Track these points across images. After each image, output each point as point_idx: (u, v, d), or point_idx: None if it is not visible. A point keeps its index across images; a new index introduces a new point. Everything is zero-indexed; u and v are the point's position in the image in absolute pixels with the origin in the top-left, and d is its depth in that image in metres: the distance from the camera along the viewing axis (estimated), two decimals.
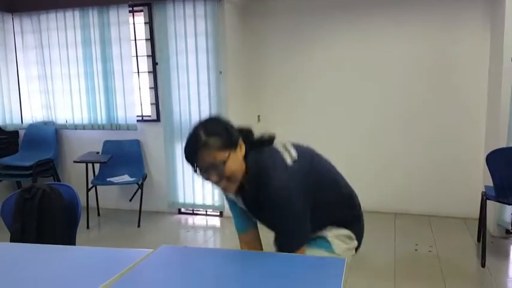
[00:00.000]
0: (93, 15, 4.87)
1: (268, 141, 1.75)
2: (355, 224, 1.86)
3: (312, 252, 1.72)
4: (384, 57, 4.63)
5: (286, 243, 1.67)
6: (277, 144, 1.76)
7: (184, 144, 1.66)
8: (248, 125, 1.79)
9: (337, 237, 1.78)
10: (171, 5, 4.58)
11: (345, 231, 1.80)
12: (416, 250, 3.82)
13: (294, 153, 1.71)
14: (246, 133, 1.74)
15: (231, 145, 1.62)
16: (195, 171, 1.63)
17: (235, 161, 1.63)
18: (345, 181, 1.88)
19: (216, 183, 1.65)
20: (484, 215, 3.62)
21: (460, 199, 4.53)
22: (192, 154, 1.62)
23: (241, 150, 1.66)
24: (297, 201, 1.64)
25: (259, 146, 1.72)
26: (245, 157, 1.68)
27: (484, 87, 4.37)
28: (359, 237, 1.87)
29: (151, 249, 1.69)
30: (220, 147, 1.60)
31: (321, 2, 4.75)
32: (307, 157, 1.75)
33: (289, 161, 1.67)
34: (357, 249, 1.88)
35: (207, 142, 1.59)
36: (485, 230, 3.62)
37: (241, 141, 1.67)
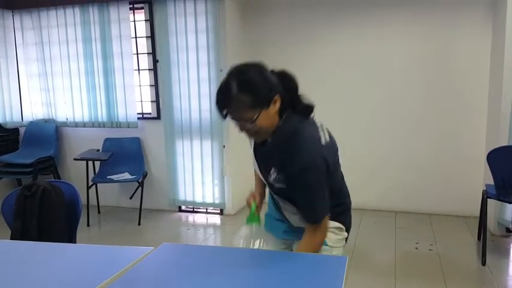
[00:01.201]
0: (93, 12, 4.86)
1: (308, 108, 1.68)
2: (345, 215, 1.86)
3: None
4: (385, 56, 4.62)
5: (309, 214, 1.66)
6: (316, 120, 1.74)
7: (216, 91, 1.57)
8: (291, 73, 1.67)
9: (328, 230, 1.75)
10: (172, 2, 4.57)
11: (335, 224, 1.79)
12: (416, 248, 3.82)
13: (327, 136, 1.70)
14: (288, 82, 1.63)
15: (263, 103, 1.53)
16: (224, 118, 1.57)
17: (266, 118, 1.55)
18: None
19: (243, 132, 1.62)
20: (485, 214, 3.62)
21: (460, 197, 4.53)
22: (222, 104, 1.54)
23: (275, 105, 1.57)
24: (321, 176, 1.60)
25: (301, 110, 1.65)
26: (280, 111, 1.59)
27: (485, 86, 4.37)
28: (348, 228, 1.86)
29: (152, 247, 1.69)
30: (251, 106, 1.51)
31: (323, 0, 4.73)
32: (334, 145, 1.75)
33: (323, 140, 1.65)
34: (346, 239, 1.88)
35: (238, 98, 1.50)
36: (486, 228, 3.62)
37: (277, 97, 1.56)
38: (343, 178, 1.88)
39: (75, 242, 2.37)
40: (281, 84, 1.59)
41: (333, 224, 1.78)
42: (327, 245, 1.74)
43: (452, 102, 4.49)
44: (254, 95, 1.51)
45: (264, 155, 1.74)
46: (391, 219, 4.53)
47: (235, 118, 1.56)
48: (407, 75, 4.59)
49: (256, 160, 1.80)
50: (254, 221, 1.82)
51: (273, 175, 1.68)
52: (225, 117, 1.56)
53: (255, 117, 1.52)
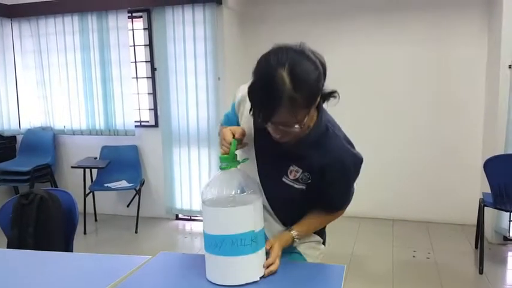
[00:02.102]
0: (92, 20, 4.87)
1: (332, 94, 1.52)
2: (323, 229, 1.78)
3: None
4: (382, 65, 4.64)
5: (337, 204, 1.64)
6: None
7: (254, 79, 1.24)
8: (321, 55, 1.38)
9: (309, 247, 1.70)
10: (170, 10, 4.59)
11: (315, 237, 1.72)
12: (414, 257, 3.82)
13: None
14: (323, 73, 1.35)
15: (315, 101, 1.26)
16: (259, 119, 1.25)
17: (311, 117, 1.33)
18: None
19: (277, 138, 1.33)
20: (482, 222, 3.62)
21: (457, 206, 4.53)
22: (267, 104, 1.20)
23: (318, 100, 1.31)
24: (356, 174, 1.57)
25: (325, 98, 1.47)
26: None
27: (482, 94, 4.39)
28: (324, 242, 1.78)
29: (149, 256, 1.68)
30: (307, 105, 1.23)
31: (320, 10, 4.76)
32: None
33: None
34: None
35: (294, 98, 1.18)
36: (483, 236, 3.62)
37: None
38: None
39: (72, 251, 2.37)
40: None
41: (313, 237, 1.71)
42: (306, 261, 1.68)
43: (448, 110, 4.51)
44: (312, 92, 1.24)
45: (280, 154, 1.45)
46: (388, 227, 4.53)
47: (280, 121, 1.23)
48: (405, 84, 4.61)
49: (259, 161, 1.52)
50: (232, 164, 1.41)
51: (293, 174, 1.45)
52: (260, 119, 1.24)
53: (305, 116, 1.25)
